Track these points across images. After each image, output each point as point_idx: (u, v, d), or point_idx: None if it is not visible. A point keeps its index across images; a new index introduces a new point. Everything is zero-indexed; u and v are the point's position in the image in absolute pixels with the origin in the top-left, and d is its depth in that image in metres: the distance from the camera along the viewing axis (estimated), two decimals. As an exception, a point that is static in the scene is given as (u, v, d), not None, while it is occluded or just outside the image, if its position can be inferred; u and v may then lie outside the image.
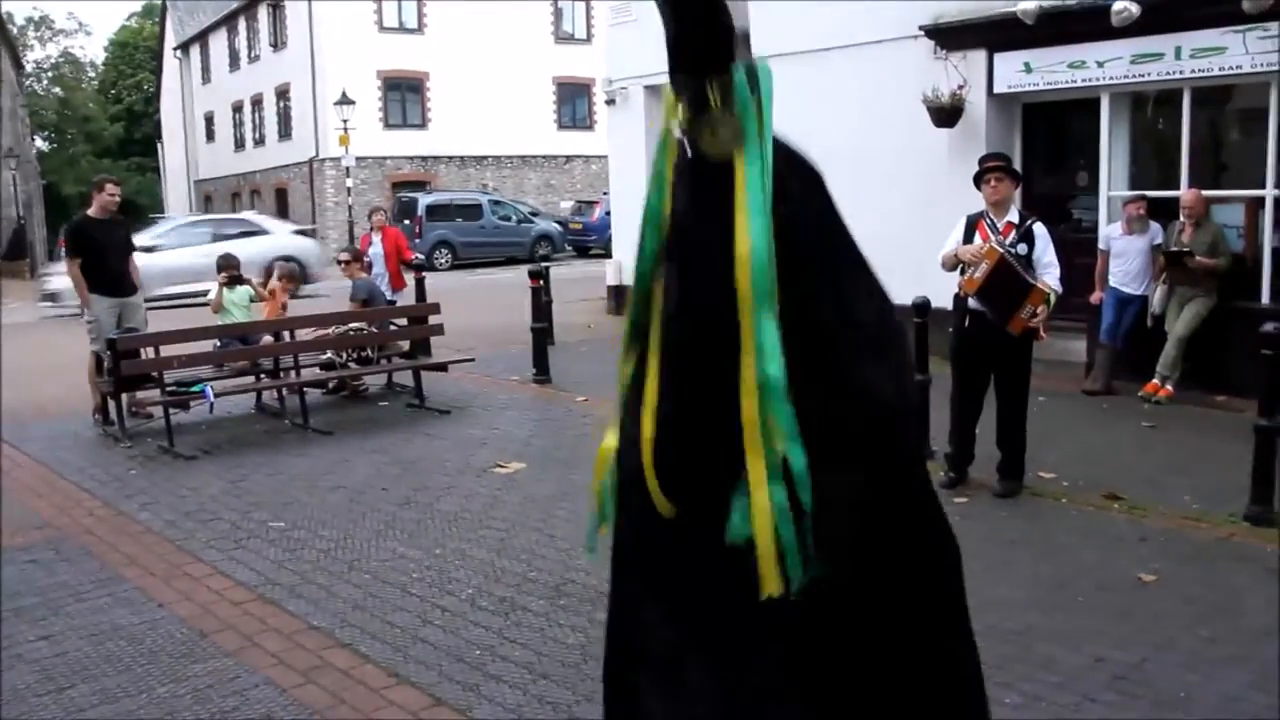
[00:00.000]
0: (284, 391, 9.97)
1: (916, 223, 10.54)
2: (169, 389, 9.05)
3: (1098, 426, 8.58)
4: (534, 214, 34.19)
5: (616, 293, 16.50)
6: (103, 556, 6.14)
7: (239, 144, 46.10)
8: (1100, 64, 10.21)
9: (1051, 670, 4.26)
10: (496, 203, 33.12)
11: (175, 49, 52.66)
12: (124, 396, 9.32)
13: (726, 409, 2.44)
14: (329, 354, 10.30)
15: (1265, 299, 9.52)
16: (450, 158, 38.96)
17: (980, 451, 6.98)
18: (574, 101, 41.46)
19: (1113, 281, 9.83)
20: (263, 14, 41.70)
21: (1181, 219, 9.49)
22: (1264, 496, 6.03)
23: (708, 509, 2.47)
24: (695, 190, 2.53)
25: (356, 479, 7.60)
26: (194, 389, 9.26)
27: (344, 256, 11.79)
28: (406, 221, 28.71)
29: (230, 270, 10.65)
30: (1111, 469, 7.20)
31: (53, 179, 54.36)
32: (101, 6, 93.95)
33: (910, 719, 2.58)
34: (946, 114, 11.13)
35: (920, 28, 11.38)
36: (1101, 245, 10.01)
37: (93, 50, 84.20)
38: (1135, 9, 9.47)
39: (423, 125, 38.65)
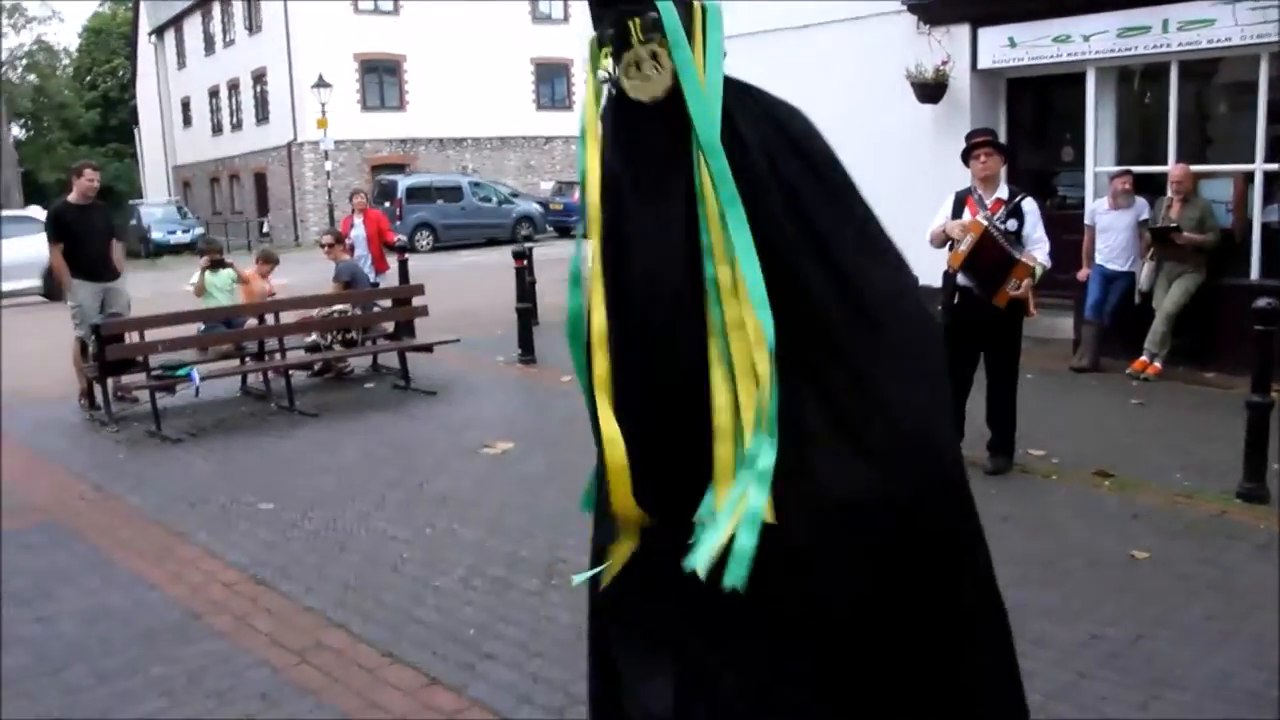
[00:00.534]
0: (269, 374, 9.92)
1: (901, 199, 10.35)
2: (154, 373, 8.98)
3: (1086, 404, 8.59)
4: (514, 195, 34.08)
5: (601, 274, 16.44)
6: (94, 540, 6.09)
7: (216, 129, 45.78)
8: (1086, 38, 10.20)
9: (1045, 646, 4.26)
10: (477, 184, 33.01)
11: (150, 34, 52.17)
12: (109, 381, 9.26)
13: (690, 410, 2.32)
14: (314, 336, 10.24)
15: (1255, 274, 9.54)
16: (429, 140, 38.80)
17: (969, 429, 6.98)
18: (552, 82, 41.34)
19: (1098, 258, 9.84)
20: (237, -3, 41.39)
21: (1169, 194, 9.50)
22: (1256, 473, 6.03)
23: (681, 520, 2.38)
24: (623, 140, 2.38)
25: (344, 460, 7.57)
26: (179, 373, 9.20)
27: (326, 239, 11.71)
28: (387, 204, 28.56)
29: (213, 254, 10.58)
30: (1101, 446, 7.20)
31: (30, 167, 53.90)
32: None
33: None
34: (930, 90, 11.12)
35: (903, 2, 11.35)
36: (1088, 220, 10.01)
37: (66, 37, 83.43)
38: (1121, -19, 9.47)
39: (401, 108, 38.49)
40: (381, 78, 38.09)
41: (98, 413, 9.40)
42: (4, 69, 54.79)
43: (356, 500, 6.58)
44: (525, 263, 11.44)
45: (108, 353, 8.80)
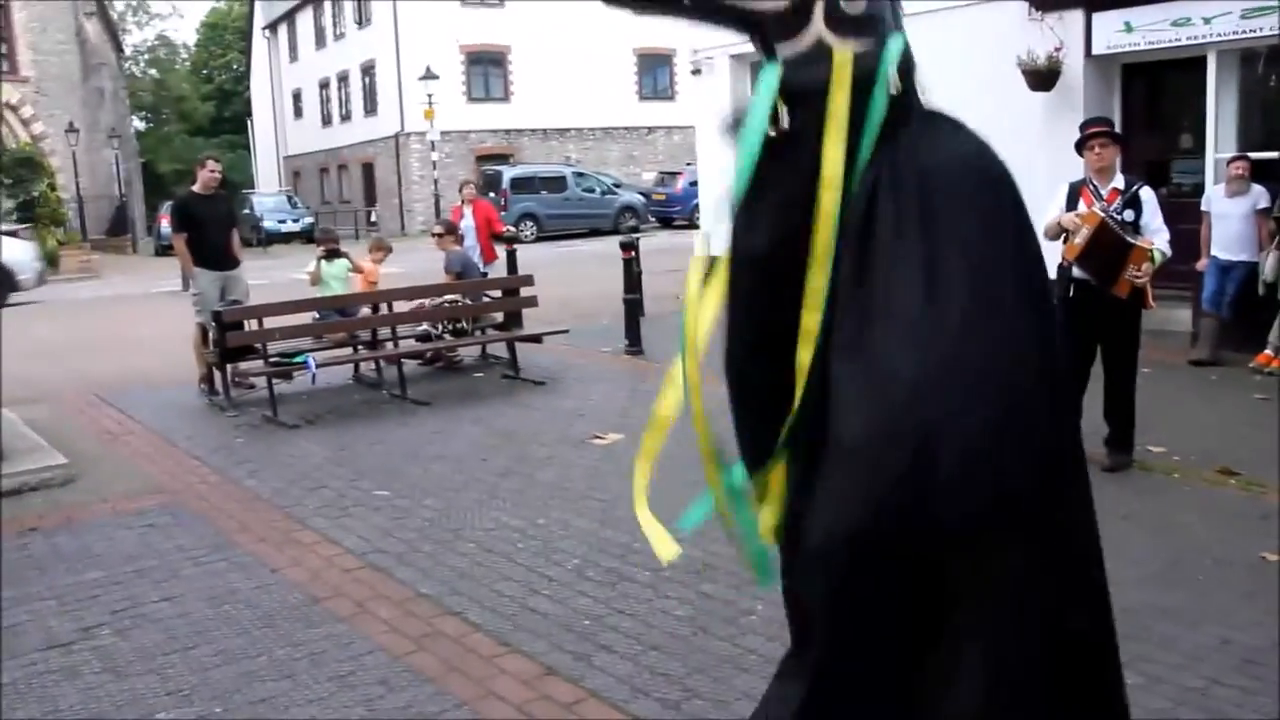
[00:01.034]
0: (381, 363, 10.12)
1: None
2: (272, 359, 9.24)
3: (1207, 399, 8.35)
4: (617, 185, 34.22)
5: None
6: (216, 522, 6.29)
7: (326, 120, 46.78)
8: (1207, 20, 9.91)
9: (1173, 650, 4.15)
10: (580, 174, 33.23)
11: (264, 29, 53.55)
12: (228, 367, 9.54)
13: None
14: (425, 326, 10.42)
15: (1384, 266, 9.16)
16: (533, 130, 39.17)
17: (1086, 424, 6.82)
18: (655, 72, 41.40)
19: (1214, 247, 9.55)
20: (348, -9, 42.20)
21: (1294, 182, 9.19)
22: (1387, 471, 5.82)
23: None
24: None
25: (456, 449, 7.69)
26: (296, 359, 9.44)
27: (437, 229, 11.91)
28: (492, 194, 28.92)
29: (329, 243, 10.83)
30: (1224, 443, 6.99)
31: (150, 157, 55.78)
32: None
33: None
34: (1042, 77, 10.89)
35: (1016, -12, 11.13)
36: (1204, 207, 9.72)
37: (185, 33, 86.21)
38: (1247, -36, 9.16)
39: (505, 99, 38.91)
40: (487, 69, 38.57)
41: (217, 398, 9.69)
42: (127, 64, 56.67)
43: (469, 489, 6.70)
44: (633, 253, 11.48)
45: (228, 339, 9.07)
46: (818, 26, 2.30)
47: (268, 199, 39.64)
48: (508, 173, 31.96)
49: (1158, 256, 6.37)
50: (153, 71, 64.01)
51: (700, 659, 4.22)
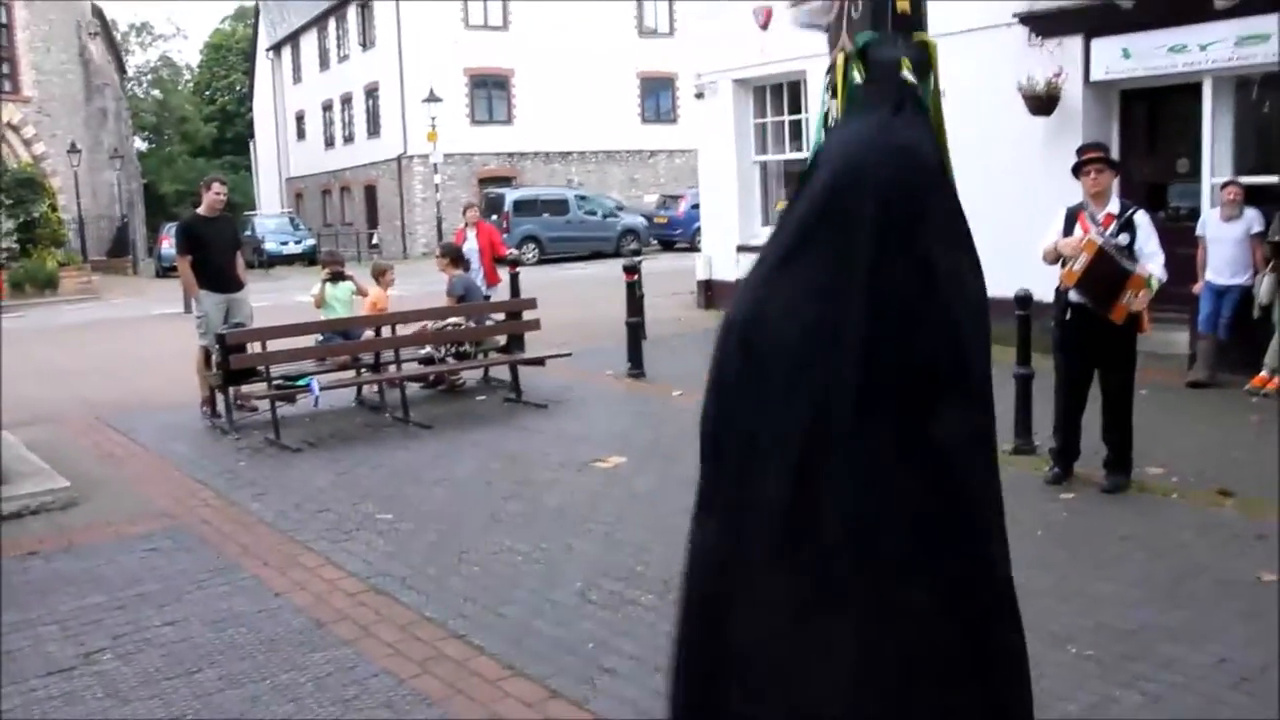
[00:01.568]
0: (384, 386, 10.17)
1: (1013, 213, 10.35)
2: (275, 382, 9.28)
3: (1204, 420, 8.39)
4: (619, 208, 34.33)
5: (706, 287, 16.52)
6: (218, 546, 6.33)
7: (329, 142, 46.95)
8: (1203, 47, 9.97)
9: (1173, 670, 4.19)
10: (582, 198, 33.34)
11: (268, 50, 53.81)
12: (231, 389, 9.57)
13: None
14: (428, 349, 10.47)
15: (1381, 289, 9.21)
16: (535, 153, 39.31)
17: (1085, 446, 6.87)
18: (657, 95, 41.57)
19: (1208, 270, 9.62)
20: (352, 14, 42.43)
21: (1290, 206, 9.26)
22: (1382, 493, 5.85)
23: None
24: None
25: (460, 472, 7.73)
26: (300, 383, 9.48)
27: (441, 255, 11.96)
28: (494, 217, 29.02)
29: (334, 266, 10.88)
30: (1222, 464, 7.03)
31: (152, 178, 56.02)
32: (197, 10, 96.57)
33: None
34: (1042, 102, 10.95)
35: (1015, 15, 11.21)
36: (1199, 231, 9.80)
37: (188, 54, 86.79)
38: (1240, -11, 9.24)
39: (508, 121, 39.07)
40: (490, 92, 38.76)
41: (219, 420, 9.71)
42: (130, 85, 56.97)
43: (473, 512, 6.73)
44: (636, 276, 11.53)
45: (231, 362, 9.11)
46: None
47: (270, 220, 39.75)
48: (510, 195, 32.07)
49: (1154, 284, 6.42)
50: (155, 92, 64.34)
51: (702, 682, 4.24)
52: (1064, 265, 6.64)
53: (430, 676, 4.47)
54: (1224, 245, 9.53)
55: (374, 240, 40.38)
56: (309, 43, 48.46)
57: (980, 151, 11.32)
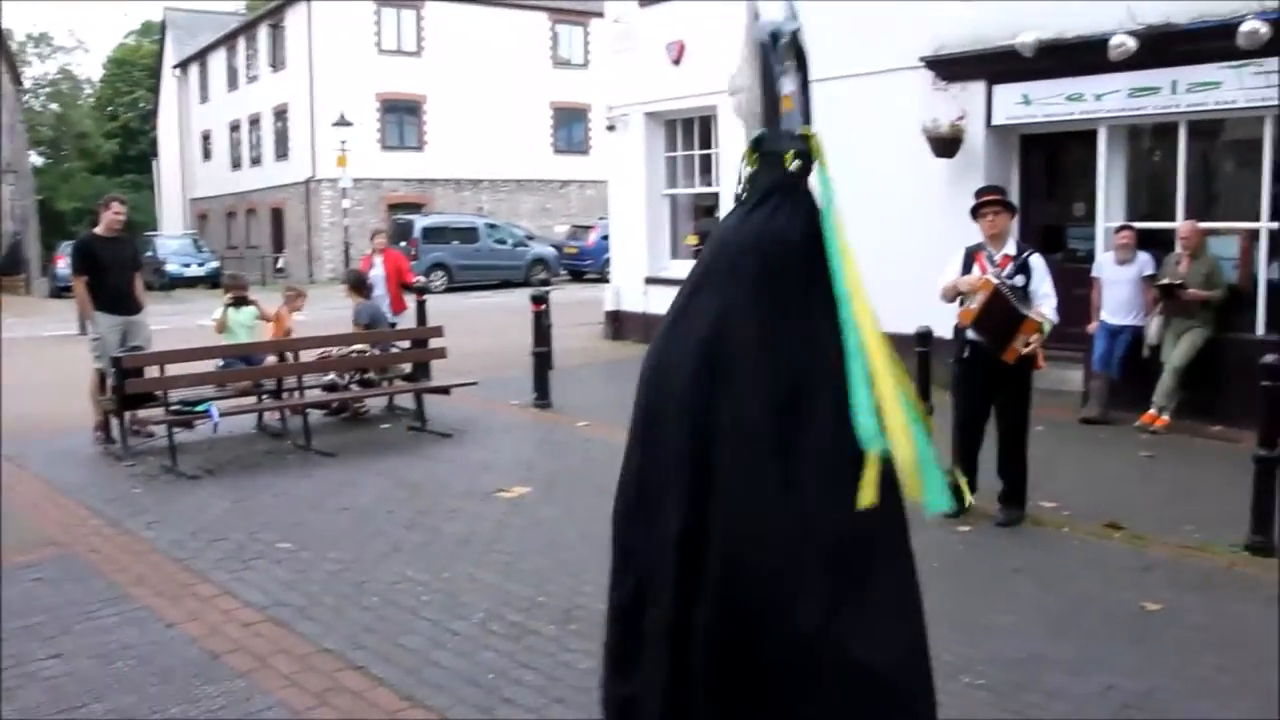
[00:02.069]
0: (286, 412, 10.01)
1: (916, 251, 10.62)
2: (173, 408, 9.08)
3: (1096, 456, 8.65)
4: (529, 238, 34.30)
5: (615, 318, 16.58)
6: (110, 575, 6.15)
7: (236, 163, 46.23)
8: (1098, 97, 10.33)
9: (1061, 698, 4.31)
10: (492, 226, 33.24)
11: (174, 67, 52.89)
12: (126, 414, 9.34)
13: None
14: (331, 375, 10.34)
15: (1260, 330, 9.61)
16: (446, 180, 39.16)
17: (981, 481, 7.04)
18: (570, 126, 41.74)
19: (1103, 311, 9.95)
20: (263, 35, 41.95)
21: (1178, 250, 9.63)
22: (1264, 526, 6.08)
23: None
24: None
25: (362, 501, 7.63)
26: (199, 408, 9.28)
27: (346, 282, 11.85)
28: (403, 243, 28.77)
29: (237, 290, 10.69)
30: (1111, 498, 7.26)
31: (48, 194, 54.54)
32: (100, 24, 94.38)
33: None
34: (946, 144, 11.24)
35: (921, 59, 11.51)
36: (1094, 273, 10.14)
37: (90, 68, 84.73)
38: (1133, 43, 9.59)
39: (419, 148, 38.89)
40: (402, 117, 38.55)
41: (113, 446, 9.47)
42: (27, 97, 55.41)
43: (374, 541, 6.65)
44: (543, 307, 11.53)
45: (128, 386, 8.90)
46: None
47: (172, 242, 38.92)
48: (419, 222, 31.83)
49: (1046, 327, 6.63)
50: (54, 106, 62.49)
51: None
52: (962, 304, 6.82)
53: (328, 708, 4.40)
54: (1118, 287, 9.87)
55: (279, 264, 39.77)
56: (217, 61, 47.74)
57: (885, 190, 11.61)
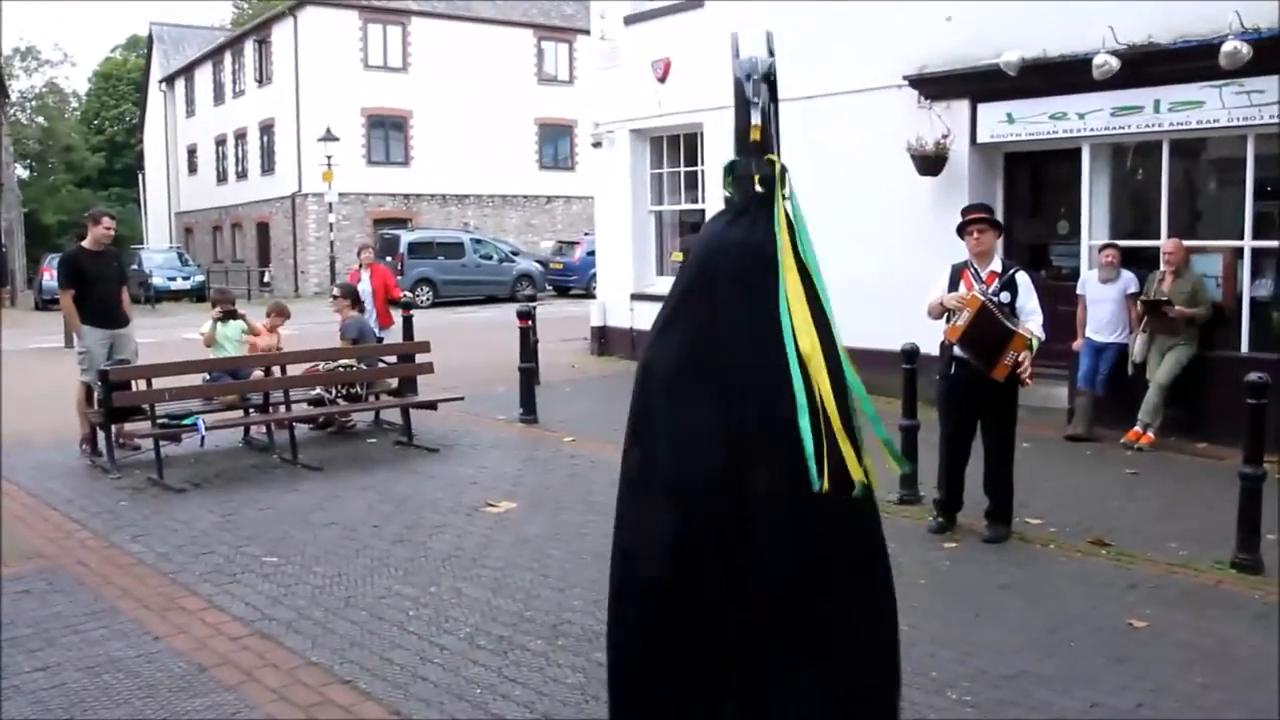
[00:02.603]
0: (273, 426, 9.99)
1: (901, 270, 10.70)
2: (159, 421, 9.05)
3: (1082, 473, 8.69)
4: (515, 253, 34.32)
5: (601, 333, 16.59)
6: (96, 588, 6.13)
7: (221, 177, 46.13)
8: (1081, 116, 10.41)
9: (1047, 715, 4.32)
10: (478, 241, 33.25)
11: (160, 81, 52.77)
12: (113, 427, 9.31)
13: None
14: (318, 390, 10.32)
15: (1245, 347, 9.67)
16: (432, 195, 39.17)
17: (968, 498, 7.06)
18: (556, 142, 41.81)
19: (1088, 329, 10.01)
20: (249, 49, 41.92)
21: (1162, 268, 9.70)
22: (1250, 544, 6.12)
23: None
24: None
25: (348, 515, 7.62)
26: (185, 422, 9.26)
27: (337, 293, 11.84)
28: (389, 258, 28.76)
29: (225, 304, 10.68)
30: (1097, 515, 7.29)
31: (33, 207, 54.32)
32: (87, 38, 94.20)
33: None
34: (930, 163, 11.30)
35: (905, 78, 11.57)
36: (1079, 290, 10.21)
37: (77, 81, 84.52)
38: (1115, 63, 9.67)
39: (405, 163, 38.89)
40: (388, 133, 38.55)
41: (99, 459, 9.44)
42: (13, 110, 55.25)
43: (361, 556, 6.64)
44: (530, 322, 11.54)
45: (114, 399, 8.87)
46: None
47: (157, 255, 38.90)
48: (405, 237, 31.83)
49: (1034, 344, 6.66)
50: (40, 119, 62.35)
51: (591, 728, 4.25)
52: (949, 321, 6.85)
53: (315, 723, 4.39)
54: (1102, 305, 9.94)
55: (265, 278, 39.67)
56: (203, 76, 47.68)
57: (870, 208, 11.69)
